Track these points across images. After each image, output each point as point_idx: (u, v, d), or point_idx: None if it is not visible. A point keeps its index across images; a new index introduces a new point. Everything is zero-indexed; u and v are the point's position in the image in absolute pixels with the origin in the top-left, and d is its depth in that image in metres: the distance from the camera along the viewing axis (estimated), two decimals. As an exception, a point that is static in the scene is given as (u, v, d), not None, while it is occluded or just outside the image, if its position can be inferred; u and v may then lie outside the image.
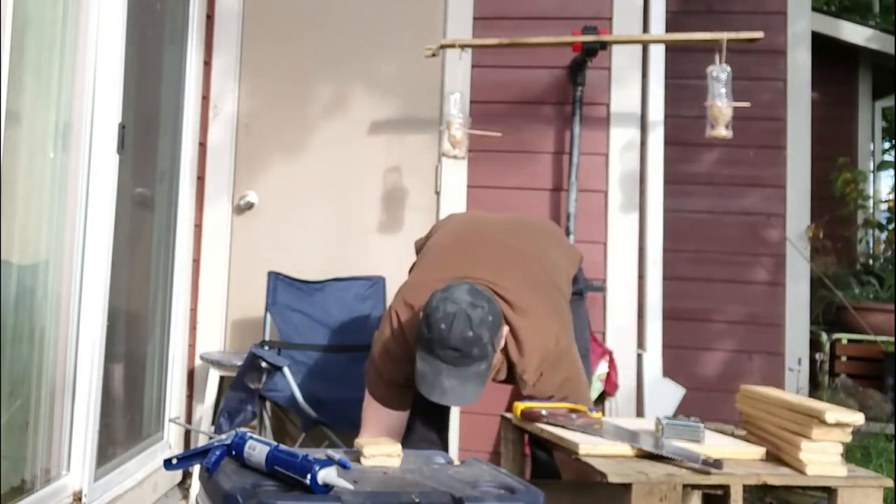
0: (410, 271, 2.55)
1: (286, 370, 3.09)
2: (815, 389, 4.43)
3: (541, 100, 3.73)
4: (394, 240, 3.83)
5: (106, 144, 2.83)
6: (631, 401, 3.52)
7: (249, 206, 3.93)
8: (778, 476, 1.74)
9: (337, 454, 1.76)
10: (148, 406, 3.45)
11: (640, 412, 3.57)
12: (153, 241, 3.49)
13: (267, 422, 3.38)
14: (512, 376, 2.30)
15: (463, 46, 3.48)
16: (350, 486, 1.46)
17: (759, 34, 3.26)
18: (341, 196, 3.91)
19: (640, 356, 3.65)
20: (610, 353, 3.35)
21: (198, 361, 3.80)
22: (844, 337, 5.04)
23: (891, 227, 5.68)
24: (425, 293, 2.19)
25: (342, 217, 3.91)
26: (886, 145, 8.69)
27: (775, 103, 4.32)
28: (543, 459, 2.50)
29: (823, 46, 5.57)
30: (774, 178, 4.28)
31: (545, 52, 3.66)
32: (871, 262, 6.14)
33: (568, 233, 3.46)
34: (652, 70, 3.74)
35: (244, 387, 3.17)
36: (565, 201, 3.57)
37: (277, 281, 3.64)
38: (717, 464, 1.72)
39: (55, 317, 2.67)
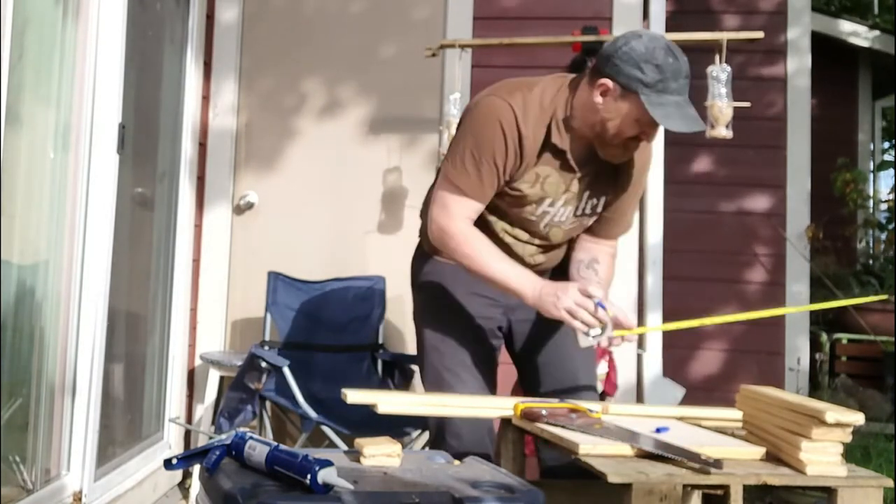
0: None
1: (286, 370, 3.09)
2: (815, 389, 4.43)
3: (541, 100, 3.73)
4: (394, 240, 3.82)
5: (106, 144, 2.83)
6: (631, 401, 3.52)
7: (249, 206, 3.93)
8: (778, 476, 1.74)
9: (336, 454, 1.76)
10: (148, 406, 3.45)
11: (640, 412, 3.57)
12: (153, 241, 3.49)
13: (267, 422, 3.38)
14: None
15: (463, 46, 3.48)
16: (350, 486, 1.46)
17: (759, 34, 3.26)
18: (341, 196, 3.91)
19: (640, 356, 3.65)
20: (610, 353, 3.35)
21: (198, 361, 3.80)
22: (844, 337, 5.04)
23: (891, 227, 5.68)
24: (522, 86, 2.22)
25: (342, 217, 3.90)
26: (886, 145, 8.69)
27: (775, 103, 4.32)
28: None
29: (823, 46, 5.57)
30: (774, 178, 4.28)
31: (545, 52, 3.65)
32: (871, 262, 6.14)
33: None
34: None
35: (244, 387, 3.17)
36: (565, 201, 3.56)
37: (277, 281, 3.64)
38: (717, 464, 1.72)
39: (55, 317, 2.67)
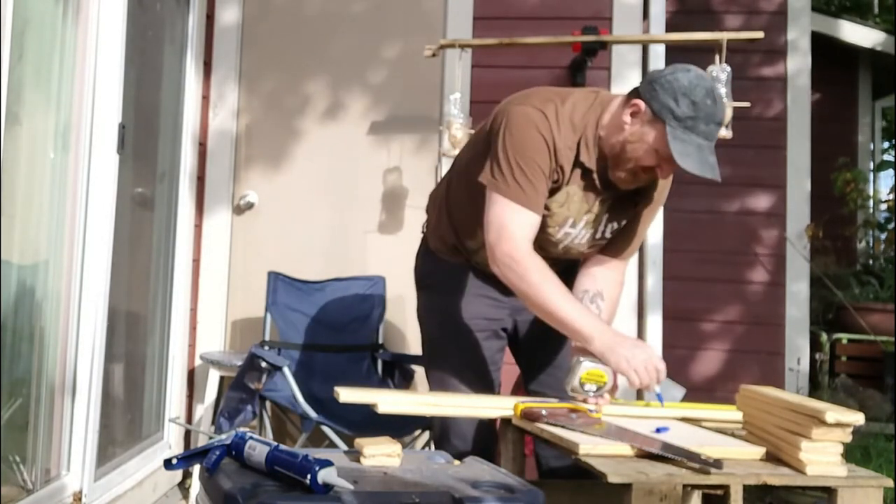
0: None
1: (286, 370, 3.09)
2: (815, 389, 4.43)
3: (541, 100, 3.73)
4: (394, 240, 3.83)
5: (106, 144, 2.83)
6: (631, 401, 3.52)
7: (249, 206, 3.93)
8: (778, 476, 1.74)
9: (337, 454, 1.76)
10: (148, 406, 3.45)
11: (640, 412, 3.57)
12: (153, 241, 3.49)
13: (267, 422, 3.38)
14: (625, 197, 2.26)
15: (463, 46, 3.48)
16: (350, 486, 1.46)
17: (759, 34, 3.26)
18: (341, 196, 3.91)
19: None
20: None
21: (198, 361, 3.80)
22: (844, 337, 5.03)
23: (891, 226, 5.68)
24: (554, 97, 2.18)
25: (342, 217, 3.91)
26: (886, 145, 8.69)
27: (775, 103, 4.32)
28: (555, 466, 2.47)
29: (823, 46, 5.57)
30: (774, 178, 4.28)
31: (545, 52, 3.66)
32: (871, 262, 6.14)
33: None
34: (652, 70, 3.73)
35: (244, 387, 3.17)
36: (565, 201, 3.56)
37: (277, 281, 3.64)
38: (717, 464, 1.72)
39: (55, 317, 2.67)
